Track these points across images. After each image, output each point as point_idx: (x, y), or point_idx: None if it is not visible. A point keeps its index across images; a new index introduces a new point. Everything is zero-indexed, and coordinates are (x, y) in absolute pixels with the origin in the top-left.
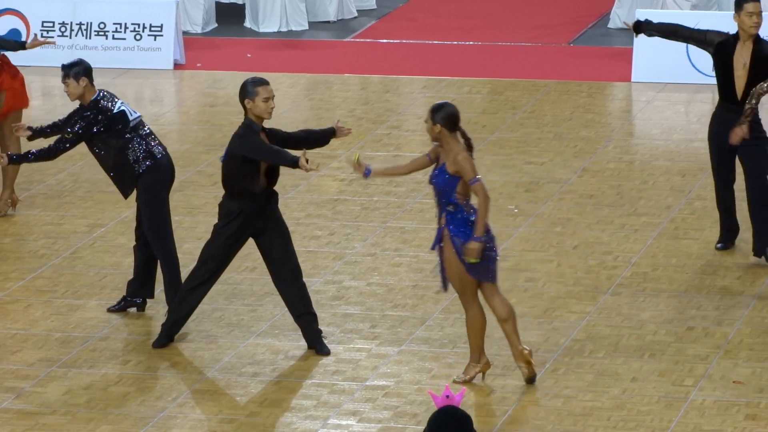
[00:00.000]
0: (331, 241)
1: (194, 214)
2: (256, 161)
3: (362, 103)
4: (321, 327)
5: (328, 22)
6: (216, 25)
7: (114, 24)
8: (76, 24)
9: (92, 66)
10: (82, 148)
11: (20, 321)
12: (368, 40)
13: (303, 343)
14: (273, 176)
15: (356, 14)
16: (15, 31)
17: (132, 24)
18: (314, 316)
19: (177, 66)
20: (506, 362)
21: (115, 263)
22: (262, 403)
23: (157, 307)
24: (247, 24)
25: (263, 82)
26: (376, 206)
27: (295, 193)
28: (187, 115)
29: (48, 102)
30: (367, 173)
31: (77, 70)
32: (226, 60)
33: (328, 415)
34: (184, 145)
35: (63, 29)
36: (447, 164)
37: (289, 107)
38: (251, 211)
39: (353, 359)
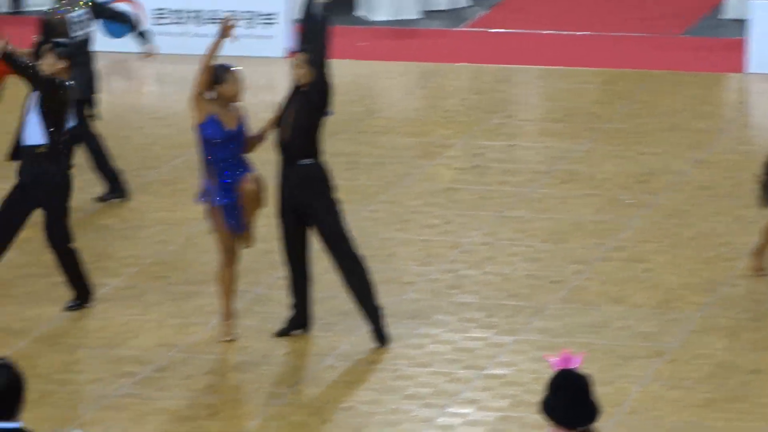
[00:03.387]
0: (447, 230)
1: None
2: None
3: (475, 93)
4: (438, 316)
5: (441, 11)
6: None
7: (227, 11)
8: (189, 11)
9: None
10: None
11: (136, 307)
12: (481, 29)
13: (420, 331)
14: None
15: (469, 3)
16: None
17: (245, 12)
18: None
19: (289, 54)
20: (624, 352)
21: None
22: (380, 391)
23: (273, 294)
24: (360, 13)
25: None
26: (492, 195)
27: (410, 181)
28: None
29: (163, 88)
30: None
31: (62, 50)
32: (338, 48)
33: (447, 404)
34: None
35: (176, 16)
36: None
37: (402, 96)
38: None
39: (470, 348)
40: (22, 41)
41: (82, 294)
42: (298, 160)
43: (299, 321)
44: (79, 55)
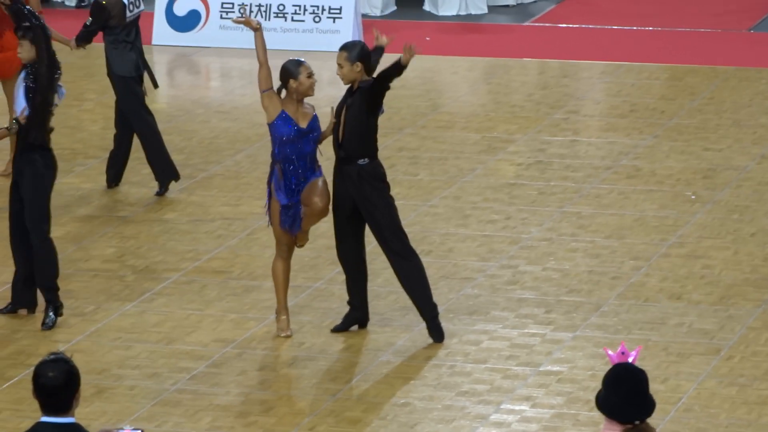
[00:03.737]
0: (507, 225)
1: None
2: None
3: (540, 88)
4: (496, 312)
5: (508, 6)
6: (395, 8)
7: (293, 6)
8: (256, 6)
9: (271, 48)
10: (261, 129)
11: (196, 301)
12: (547, 24)
13: (479, 327)
14: None
15: None
16: (194, 12)
17: (311, 6)
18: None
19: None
20: (681, 349)
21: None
22: (435, 387)
23: (332, 289)
24: (426, 7)
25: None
26: (553, 191)
27: (472, 177)
28: None
29: (227, 83)
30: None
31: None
32: (405, 43)
33: (502, 400)
34: None
35: (242, 11)
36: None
37: (467, 91)
38: None
39: (527, 344)
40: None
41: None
42: (354, 160)
43: (357, 317)
44: (129, 36)
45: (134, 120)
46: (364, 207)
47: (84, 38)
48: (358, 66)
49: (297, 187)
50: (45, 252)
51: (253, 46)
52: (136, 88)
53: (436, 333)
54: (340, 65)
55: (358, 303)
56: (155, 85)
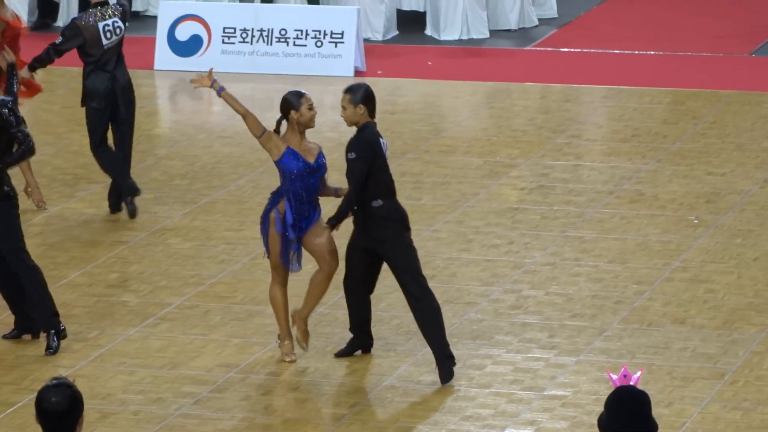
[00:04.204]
0: (511, 250)
1: None
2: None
3: (542, 112)
4: (500, 336)
5: (509, 30)
6: (397, 32)
7: (295, 30)
8: (258, 30)
9: (273, 72)
10: (263, 154)
11: (199, 326)
12: (549, 48)
13: (483, 352)
14: None
15: (537, 23)
16: (196, 37)
17: (313, 31)
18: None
19: (358, 73)
20: (685, 374)
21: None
22: (440, 411)
23: (336, 314)
24: (428, 32)
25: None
26: (556, 215)
27: (474, 201)
28: None
29: (229, 108)
30: (219, 91)
31: None
32: (407, 67)
33: (506, 425)
34: None
35: (244, 35)
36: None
37: (469, 115)
38: None
39: (531, 369)
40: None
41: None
42: (367, 202)
43: (361, 343)
44: (107, 65)
45: (97, 150)
46: (380, 250)
47: (47, 59)
48: (361, 108)
49: (299, 223)
50: (29, 279)
51: (255, 71)
52: (99, 118)
53: (445, 374)
54: (343, 107)
55: (358, 333)
56: (125, 120)
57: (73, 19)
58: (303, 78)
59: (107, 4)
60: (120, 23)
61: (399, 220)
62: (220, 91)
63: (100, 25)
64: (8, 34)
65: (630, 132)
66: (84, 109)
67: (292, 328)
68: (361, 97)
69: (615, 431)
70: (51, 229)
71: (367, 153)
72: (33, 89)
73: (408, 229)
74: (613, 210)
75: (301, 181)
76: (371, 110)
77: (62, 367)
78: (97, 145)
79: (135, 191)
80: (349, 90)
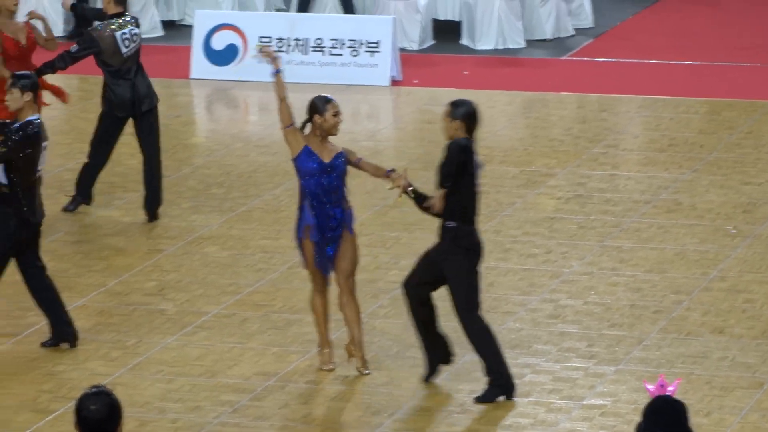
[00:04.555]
0: (548, 259)
1: (411, 230)
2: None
3: (579, 122)
4: (538, 345)
5: (545, 40)
6: (433, 42)
7: (331, 40)
8: (294, 39)
9: (309, 82)
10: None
11: (237, 335)
12: (585, 58)
13: (521, 361)
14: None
15: (573, 32)
16: (232, 47)
17: (349, 40)
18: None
19: (394, 82)
20: (724, 383)
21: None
22: (478, 421)
23: (374, 323)
24: (464, 41)
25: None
26: (593, 225)
27: (511, 210)
28: (404, 132)
29: (265, 117)
30: (275, 72)
31: (25, 83)
32: (443, 77)
33: None
34: (400, 161)
35: (280, 45)
36: (346, 153)
37: (506, 125)
38: None
39: (570, 378)
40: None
41: None
42: (445, 219)
43: (437, 357)
44: (128, 73)
45: (96, 149)
46: (444, 268)
47: (54, 65)
48: (457, 124)
49: (325, 222)
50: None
51: (291, 80)
52: (115, 126)
53: (484, 397)
54: (442, 119)
55: (429, 345)
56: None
57: (89, 30)
58: (339, 87)
59: (124, 14)
60: (136, 30)
61: (467, 247)
62: (275, 73)
63: (118, 34)
64: (8, 46)
65: (666, 142)
66: (101, 114)
67: (350, 359)
68: (461, 113)
69: None
70: (87, 238)
71: (454, 155)
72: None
73: (477, 256)
74: (651, 220)
75: (313, 180)
76: (469, 127)
77: (101, 375)
78: (97, 143)
79: (87, 200)
80: (452, 104)
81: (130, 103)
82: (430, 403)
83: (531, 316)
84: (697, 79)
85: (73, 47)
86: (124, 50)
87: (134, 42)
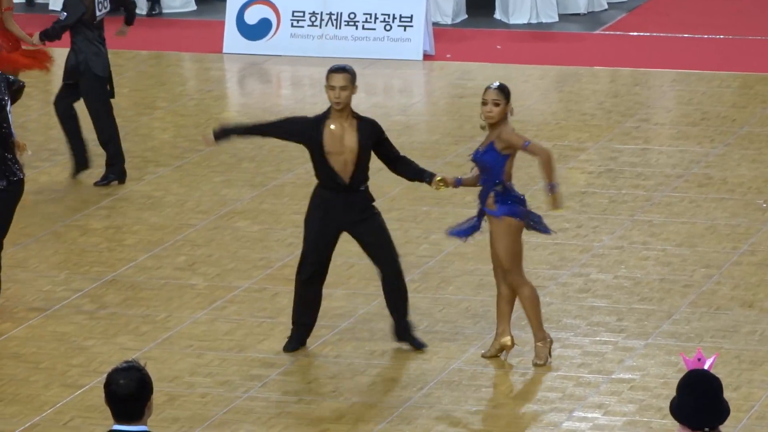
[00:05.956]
0: (579, 233)
1: (442, 205)
2: None
3: (611, 96)
4: (568, 320)
5: (578, 14)
6: (466, 16)
7: (364, 14)
8: (327, 14)
9: (341, 56)
10: None
11: (267, 309)
12: (618, 32)
13: (551, 335)
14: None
15: (606, 6)
16: (265, 21)
17: (382, 14)
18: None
19: (426, 57)
20: (753, 357)
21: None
22: (507, 395)
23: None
24: (497, 15)
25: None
26: (624, 199)
27: (543, 185)
28: (436, 106)
29: (298, 91)
30: (458, 183)
31: None
32: (476, 51)
33: (574, 408)
34: (432, 135)
35: (313, 19)
36: (495, 142)
37: (538, 99)
38: None
39: (599, 352)
40: (157, 43)
41: None
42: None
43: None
44: (101, 36)
45: (103, 119)
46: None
47: (54, 34)
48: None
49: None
50: None
51: (323, 55)
52: (106, 88)
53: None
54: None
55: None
56: (112, 95)
57: None
58: (372, 62)
59: None
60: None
61: None
62: (458, 184)
63: None
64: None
65: (699, 116)
66: (82, 83)
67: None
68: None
69: (687, 414)
70: (118, 212)
71: None
72: (42, 56)
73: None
74: (682, 194)
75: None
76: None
77: (131, 350)
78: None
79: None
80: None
81: (106, 64)
82: (459, 377)
83: (561, 290)
84: (730, 53)
85: (62, 15)
86: (98, 13)
87: (105, 8)
